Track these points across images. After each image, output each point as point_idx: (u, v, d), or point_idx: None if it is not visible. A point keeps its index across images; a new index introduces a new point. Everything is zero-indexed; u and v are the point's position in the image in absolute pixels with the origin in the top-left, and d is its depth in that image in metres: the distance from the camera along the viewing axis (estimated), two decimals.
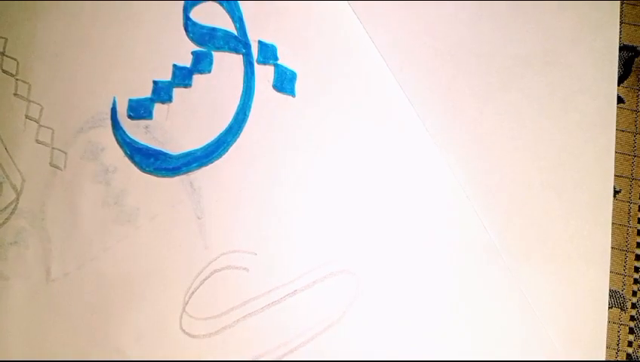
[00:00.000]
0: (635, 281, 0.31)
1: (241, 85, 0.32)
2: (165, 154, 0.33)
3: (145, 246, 0.33)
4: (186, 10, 0.33)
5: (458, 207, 0.31)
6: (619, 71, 0.32)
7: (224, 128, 0.32)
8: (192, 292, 0.32)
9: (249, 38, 0.33)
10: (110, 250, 0.33)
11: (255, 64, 0.32)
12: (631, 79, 0.32)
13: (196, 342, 0.32)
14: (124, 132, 0.33)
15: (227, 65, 0.33)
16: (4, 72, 0.34)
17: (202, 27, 0.33)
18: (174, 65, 0.33)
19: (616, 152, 0.31)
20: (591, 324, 0.30)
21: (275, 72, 0.32)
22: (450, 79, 0.32)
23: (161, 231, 0.33)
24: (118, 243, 0.33)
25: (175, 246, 0.32)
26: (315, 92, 0.32)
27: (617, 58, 0.31)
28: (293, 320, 0.31)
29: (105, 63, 0.34)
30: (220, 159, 0.32)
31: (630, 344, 0.31)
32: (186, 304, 0.32)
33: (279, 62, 0.32)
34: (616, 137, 0.31)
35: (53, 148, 0.34)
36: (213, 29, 0.33)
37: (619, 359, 0.31)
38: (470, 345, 0.30)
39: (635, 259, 0.32)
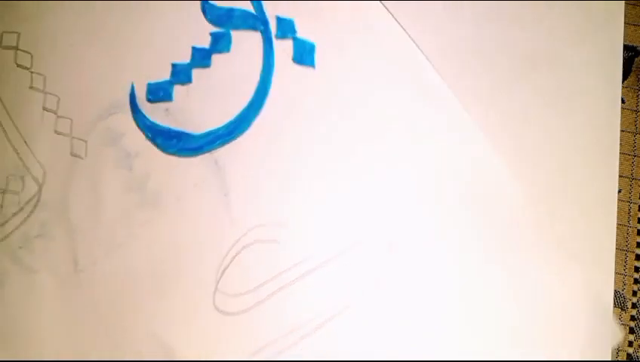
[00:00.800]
0: (636, 281, 0.32)
1: (261, 61, 0.33)
2: (188, 134, 0.33)
3: (172, 229, 0.32)
4: None
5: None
6: None
7: (245, 104, 0.32)
8: (224, 270, 0.32)
9: (266, 14, 0.33)
10: (137, 235, 0.33)
11: (274, 39, 0.33)
12: (631, 79, 0.33)
13: (231, 319, 0.31)
14: (144, 116, 0.33)
15: (246, 42, 0.33)
16: (19, 65, 0.34)
17: (220, 9, 0.33)
18: (193, 48, 0.33)
19: None
20: (596, 324, 0.30)
21: (294, 46, 0.32)
22: (455, 79, 0.32)
23: (187, 211, 0.32)
24: (144, 228, 0.33)
25: (203, 225, 0.32)
26: (335, 62, 0.32)
27: (621, 59, 0.32)
28: (327, 289, 0.31)
29: (121, 50, 0.34)
30: (243, 135, 0.32)
31: (631, 344, 0.31)
32: (218, 282, 0.32)
33: (297, 35, 0.32)
34: None
35: (72, 137, 0.34)
36: (231, 10, 0.33)
37: (619, 359, 0.31)
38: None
39: (635, 259, 0.32)
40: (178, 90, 0.33)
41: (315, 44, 0.32)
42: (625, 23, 0.32)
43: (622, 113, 0.32)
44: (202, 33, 0.33)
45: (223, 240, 0.32)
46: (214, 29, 0.33)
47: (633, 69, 0.32)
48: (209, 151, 0.32)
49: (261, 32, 0.33)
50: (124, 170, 0.33)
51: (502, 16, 0.32)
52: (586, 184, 0.31)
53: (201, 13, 0.33)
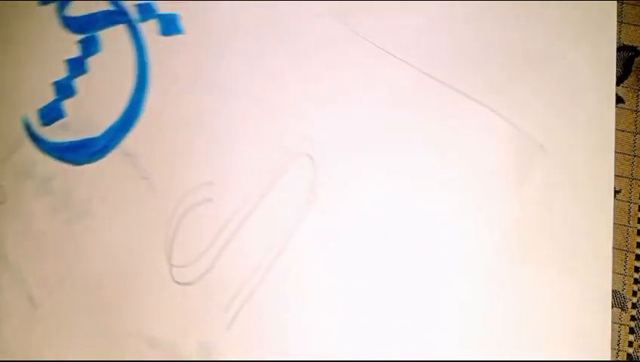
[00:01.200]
0: (636, 281, 0.31)
1: (133, 47, 0.34)
2: (90, 140, 0.33)
3: (110, 228, 0.33)
4: (59, 12, 0.35)
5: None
6: (619, 71, 0.32)
7: (132, 91, 0.33)
8: (171, 245, 0.32)
9: (125, 6, 0.34)
10: (81, 250, 0.33)
11: (138, 25, 0.34)
12: (631, 79, 0.32)
13: (195, 287, 0.32)
14: (45, 140, 0.34)
15: (113, 37, 0.34)
16: None
17: (79, 18, 0.34)
18: (66, 61, 0.34)
19: (616, 152, 0.31)
20: (595, 325, 0.30)
21: (158, 23, 0.33)
22: (451, 80, 0.32)
23: (118, 208, 0.33)
24: (86, 239, 0.33)
25: (137, 213, 0.33)
26: (204, 21, 0.33)
27: (615, 57, 0.31)
28: (272, 220, 0.31)
29: (3, 89, 0.35)
30: (141, 118, 0.33)
31: (631, 344, 0.31)
32: (170, 258, 0.32)
33: (159, 12, 0.34)
34: (616, 137, 0.31)
35: None
36: (91, 15, 0.34)
37: (619, 359, 0.31)
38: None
39: (635, 259, 0.31)
40: (67, 104, 0.34)
41: (178, 14, 0.34)
42: (625, 22, 0.32)
43: (622, 113, 0.32)
44: (73, 46, 0.35)
45: (160, 219, 0.32)
46: (81, 37, 0.34)
47: (633, 68, 0.32)
48: (116, 145, 0.33)
49: (124, 23, 0.34)
50: (46, 196, 0.34)
51: (498, 16, 0.32)
52: (582, 183, 0.30)
53: (65, 28, 0.35)
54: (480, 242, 0.30)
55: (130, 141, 0.33)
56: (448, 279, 0.30)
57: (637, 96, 0.32)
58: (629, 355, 0.31)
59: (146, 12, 0.34)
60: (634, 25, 0.32)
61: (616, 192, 0.31)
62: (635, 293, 0.31)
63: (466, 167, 0.31)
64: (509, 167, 0.30)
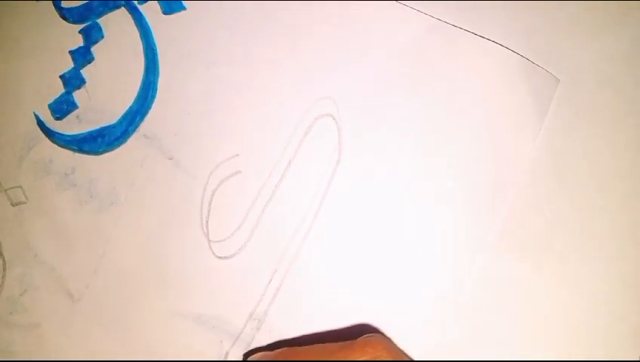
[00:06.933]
0: None
1: (137, 30, 0.33)
2: (108, 127, 0.33)
3: (141, 214, 0.33)
4: (56, 4, 0.34)
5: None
6: None
7: (142, 73, 0.33)
8: (207, 221, 0.32)
9: None
10: (113, 237, 0.33)
11: (139, 6, 0.33)
12: None
13: (238, 259, 0.32)
14: (60, 134, 0.33)
15: (115, 21, 0.33)
16: None
17: (76, 8, 0.34)
18: (70, 52, 0.34)
19: None
20: None
21: (159, 3, 0.33)
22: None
23: (146, 192, 0.33)
24: (116, 228, 0.33)
25: (167, 194, 0.32)
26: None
27: None
28: (306, 181, 0.31)
29: (9, 90, 0.34)
30: (157, 99, 0.33)
31: None
32: (208, 234, 0.32)
33: None
34: None
35: (5, 190, 0.33)
36: (88, 3, 0.33)
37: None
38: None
39: None
40: (78, 94, 0.33)
41: None
42: None
43: None
44: (75, 36, 0.34)
45: (191, 197, 0.32)
46: (82, 26, 0.34)
47: None
48: (135, 130, 0.33)
49: (125, 7, 0.33)
50: (70, 190, 0.33)
51: (548, 37, 0.31)
52: (626, 205, 0.30)
53: (63, 21, 0.34)
54: (506, 177, 0.31)
55: (148, 124, 0.33)
56: (479, 208, 0.31)
57: None
58: None
59: None
60: None
61: None
62: None
63: (486, 106, 0.31)
64: (528, 100, 0.31)
